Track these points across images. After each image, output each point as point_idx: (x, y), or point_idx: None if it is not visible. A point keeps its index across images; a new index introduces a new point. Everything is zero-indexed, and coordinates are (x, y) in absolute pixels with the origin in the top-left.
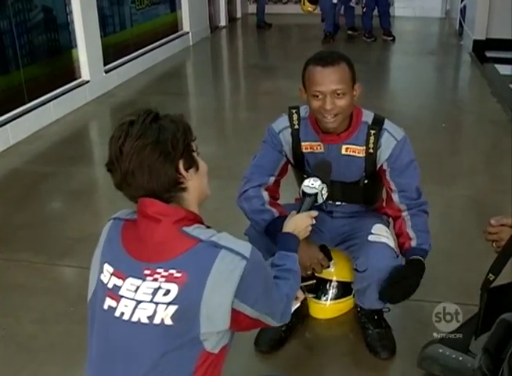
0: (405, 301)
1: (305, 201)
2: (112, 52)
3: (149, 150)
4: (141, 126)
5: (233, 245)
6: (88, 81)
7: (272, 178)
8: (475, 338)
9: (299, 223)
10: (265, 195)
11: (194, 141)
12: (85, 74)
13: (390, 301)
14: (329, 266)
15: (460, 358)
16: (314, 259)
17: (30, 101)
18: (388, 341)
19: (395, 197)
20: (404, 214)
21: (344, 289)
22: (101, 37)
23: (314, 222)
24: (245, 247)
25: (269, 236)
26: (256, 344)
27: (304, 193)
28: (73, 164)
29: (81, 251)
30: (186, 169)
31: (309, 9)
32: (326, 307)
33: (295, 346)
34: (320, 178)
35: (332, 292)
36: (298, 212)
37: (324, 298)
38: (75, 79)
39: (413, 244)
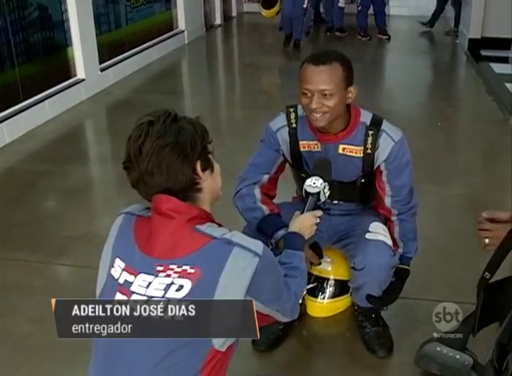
0: (402, 300)
1: (309, 201)
2: (107, 51)
3: (169, 150)
4: (161, 126)
5: (246, 243)
6: (83, 80)
7: (267, 176)
8: (473, 335)
9: (304, 223)
10: (258, 193)
11: (210, 143)
12: (81, 72)
13: (378, 306)
14: (320, 264)
15: (458, 356)
16: None
17: (25, 99)
18: (386, 339)
19: (387, 200)
20: (394, 218)
21: (342, 287)
22: (96, 35)
23: (318, 221)
24: (257, 245)
25: (261, 233)
26: (253, 343)
27: (306, 192)
28: (68, 163)
29: (77, 250)
30: (203, 170)
31: (272, 14)
32: (324, 305)
33: (292, 345)
34: (321, 177)
35: (329, 290)
36: (302, 212)
37: (321, 297)
38: (70, 77)
39: (400, 251)
